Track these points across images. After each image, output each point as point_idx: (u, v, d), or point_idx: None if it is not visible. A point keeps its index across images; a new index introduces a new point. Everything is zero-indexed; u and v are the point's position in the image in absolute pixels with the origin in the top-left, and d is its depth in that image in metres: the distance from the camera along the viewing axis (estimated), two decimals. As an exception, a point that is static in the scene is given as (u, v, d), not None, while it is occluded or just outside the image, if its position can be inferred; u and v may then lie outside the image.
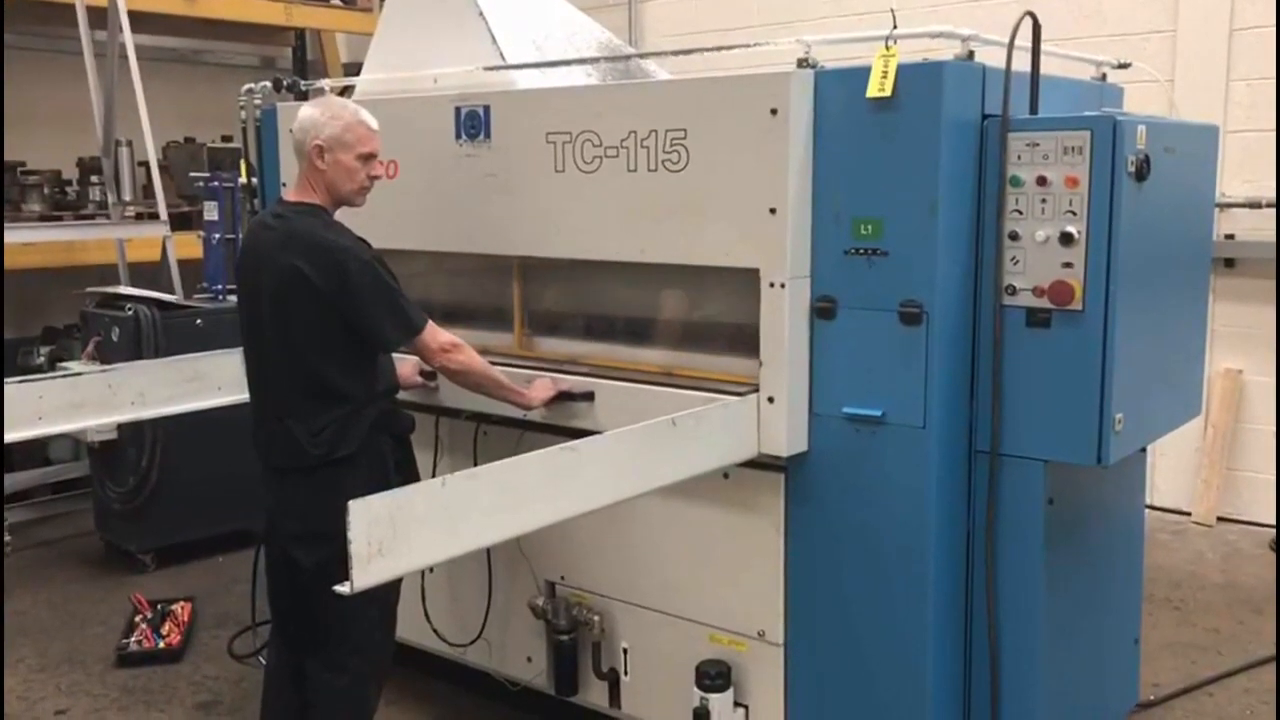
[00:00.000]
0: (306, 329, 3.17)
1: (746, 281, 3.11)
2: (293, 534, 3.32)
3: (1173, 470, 6.30)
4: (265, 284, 3.21)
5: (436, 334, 3.24)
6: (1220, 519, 6.20)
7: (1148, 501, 5.86)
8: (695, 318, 3.48)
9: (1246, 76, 5.99)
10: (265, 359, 3.29)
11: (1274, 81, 5.87)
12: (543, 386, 3.41)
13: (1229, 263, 6.07)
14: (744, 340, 3.18)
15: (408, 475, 3.38)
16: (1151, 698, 4.17)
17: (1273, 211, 5.88)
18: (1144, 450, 3.63)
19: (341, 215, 3.31)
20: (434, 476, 2.91)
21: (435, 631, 4.01)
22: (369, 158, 3.26)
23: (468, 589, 3.92)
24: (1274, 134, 5.87)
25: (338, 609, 3.19)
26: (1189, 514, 6.26)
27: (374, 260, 3.17)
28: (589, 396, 3.38)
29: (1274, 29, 5.82)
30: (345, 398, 3.20)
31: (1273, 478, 6.01)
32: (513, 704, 3.99)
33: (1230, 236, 6.06)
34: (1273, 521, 5.97)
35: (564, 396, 3.40)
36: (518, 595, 3.80)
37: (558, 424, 3.42)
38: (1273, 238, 5.89)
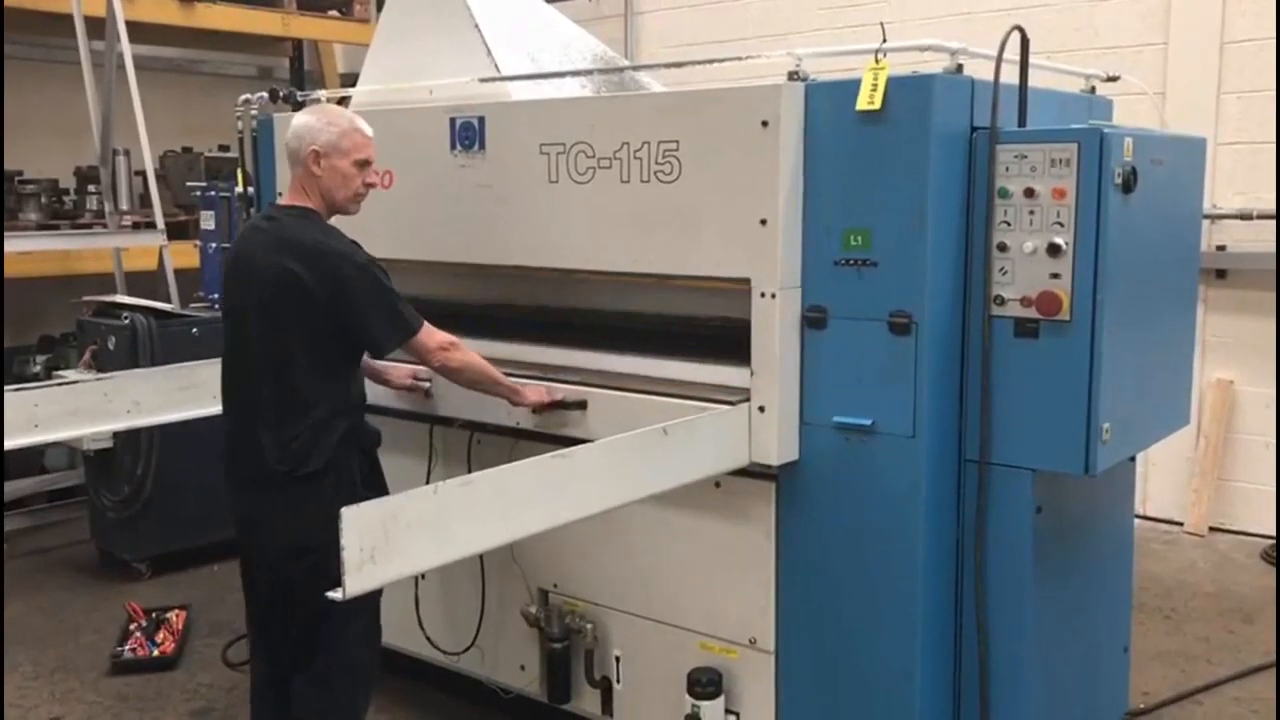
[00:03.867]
0: (294, 332, 3.15)
1: (736, 291, 3.13)
2: (270, 549, 3.29)
3: (1165, 480, 6.33)
4: (255, 286, 3.20)
5: (433, 334, 3.25)
6: (1212, 529, 6.22)
7: (1140, 511, 5.91)
8: (684, 326, 3.50)
9: (1238, 89, 6.03)
10: (245, 363, 3.27)
11: (1266, 94, 5.90)
12: (536, 390, 3.43)
13: (1220, 274, 6.11)
14: (734, 349, 3.20)
15: (376, 489, 3.32)
16: (1142, 706, 4.18)
17: (1264, 223, 5.91)
18: (1133, 459, 3.65)
19: (337, 224, 3.33)
20: (428, 484, 2.92)
21: (428, 639, 4.02)
22: (364, 164, 3.26)
23: (460, 597, 3.93)
24: (1265, 146, 5.91)
25: (322, 623, 3.20)
26: (1181, 524, 6.28)
27: (369, 263, 3.18)
28: (581, 405, 3.40)
29: (1266, 41, 5.86)
30: (317, 405, 3.17)
31: (1264, 488, 6.03)
32: (505, 712, 4.01)
33: (1222, 248, 6.10)
34: (1264, 531, 6.00)
35: (556, 404, 3.42)
36: (510, 603, 3.82)
37: (550, 432, 3.44)
38: (1264, 249, 5.92)
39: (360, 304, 3.14)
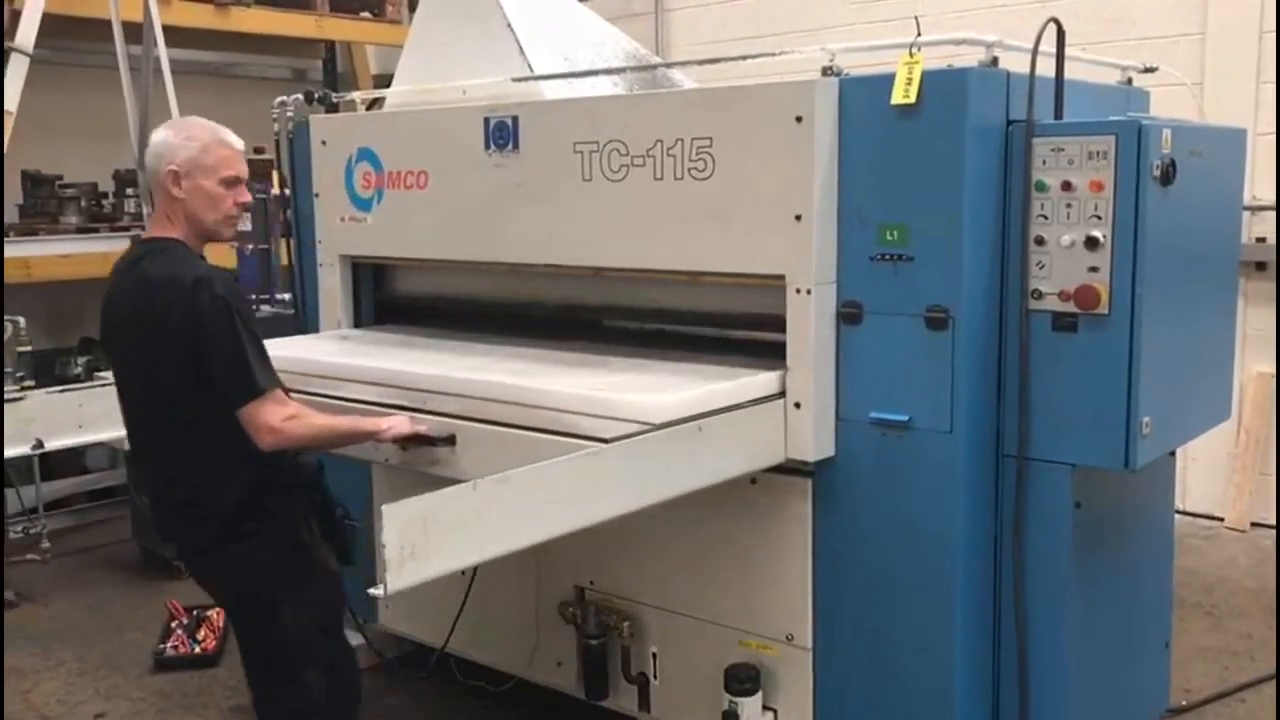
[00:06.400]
0: (178, 387, 2.82)
1: (770, 287, 3.13)
2: (219, 598, 3.24)
3: (1206, 475, 6.26)
4: (127, 338, 2.91)
5: (280, 406, 2.77)
6: (1254, 524, 6.14)
7: (1181, 506, 5.84)
8: (716, 324, 3.50)
9: (1277, 79, 5.95)
10: (143, 430, 3.00)
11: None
12: (400, 421, 3.00)
13: (1260, 266, 6.03)
14: (764, 349, 3.20)
15: (330, 528, 3.12)
16: (1183, 703, 4.14)
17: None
18: (1173, 454, 3.62)
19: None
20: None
21: (463, 636, 4.04)
22: (234, 182, 2.92)
23: (496, 594, 3.95)
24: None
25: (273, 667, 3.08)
26: (1222, 519, 6.21)
27: (230, 296, 2.78)
28: (450, 440, 3.04)
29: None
30: (232, 464, 2.86)
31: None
32: (541, 708, 4.02)
33: (1262, 240, 6.01)
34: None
35: (421, 439, 3.04)
36: (547, 600, 3.83)
37: (416, 469, 3.11)
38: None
39: (208, 339, 2.72)
